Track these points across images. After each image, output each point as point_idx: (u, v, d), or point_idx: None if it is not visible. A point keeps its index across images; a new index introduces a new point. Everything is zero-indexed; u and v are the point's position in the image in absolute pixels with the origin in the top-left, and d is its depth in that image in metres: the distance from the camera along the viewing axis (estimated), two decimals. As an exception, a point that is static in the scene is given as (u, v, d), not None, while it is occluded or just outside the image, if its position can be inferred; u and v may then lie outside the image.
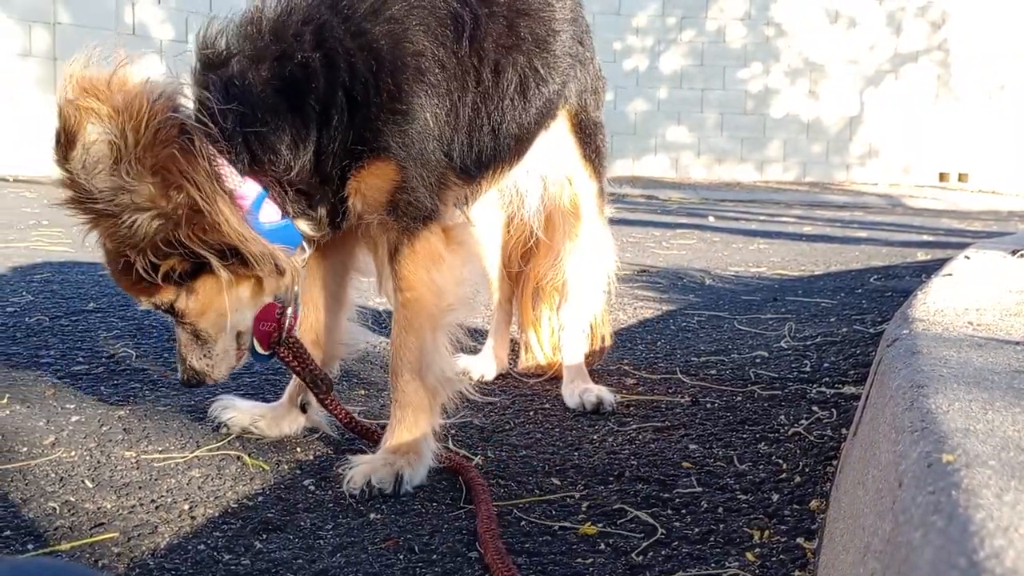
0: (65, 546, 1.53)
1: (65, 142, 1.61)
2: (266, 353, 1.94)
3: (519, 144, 2.09)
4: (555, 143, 2.31)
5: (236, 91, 1.71)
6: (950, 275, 2.63)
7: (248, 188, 1.74)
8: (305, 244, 1.88)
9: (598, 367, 2.70)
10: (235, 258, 1.73)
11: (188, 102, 1.71)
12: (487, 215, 2.51)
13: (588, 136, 2.37)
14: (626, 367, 2.77)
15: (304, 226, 1.84)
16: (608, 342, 2.68)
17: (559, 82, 2.15)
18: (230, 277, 1.76)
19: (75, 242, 4.39)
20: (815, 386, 2.57)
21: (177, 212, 1.65)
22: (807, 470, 1.95)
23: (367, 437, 2.01)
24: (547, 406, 2.40)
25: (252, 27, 1.78)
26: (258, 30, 1.77)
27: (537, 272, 2.60)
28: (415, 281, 1.86)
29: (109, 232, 1.70)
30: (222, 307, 1.82)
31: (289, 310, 1.91)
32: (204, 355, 1.87)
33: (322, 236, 1.90)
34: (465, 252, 1.95)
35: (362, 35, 1.77)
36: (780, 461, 2.01)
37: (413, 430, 1.87)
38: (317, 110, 1.74)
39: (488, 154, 1.99)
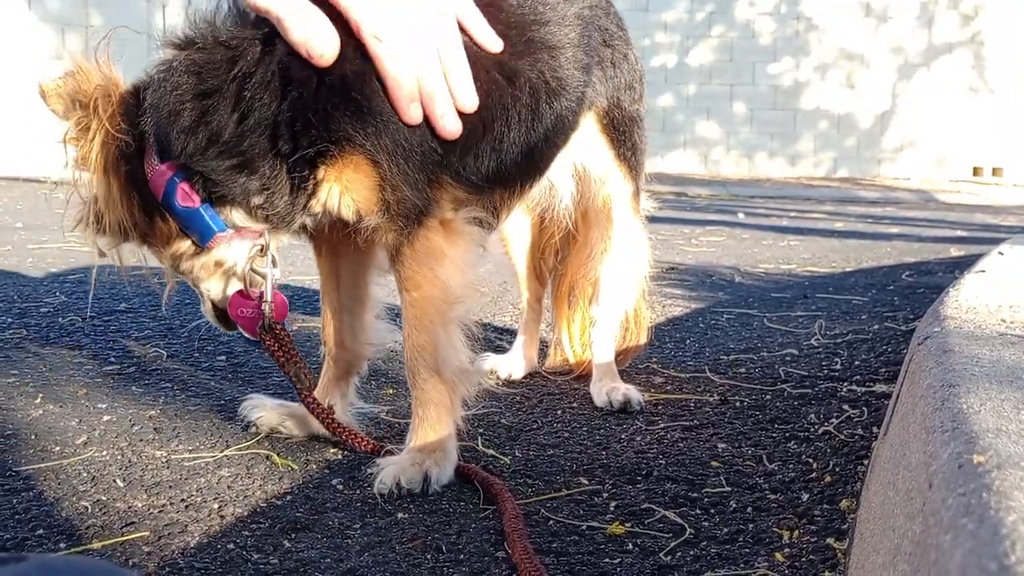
0: (97, 545, 1.55)
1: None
2: (255, 339, 1.99)
3: (533, 161, 2.04)
4: (586, 143, 2.29)
5: (163, 73, 1.76)
6: (983, 271, 2.60)
7: (164, 169, 1.79)
8: (262, 235, 1.89)
9: (628, 366, 2.69)
10: None
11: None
12: (515, 216, 2.50)
13: (622, 134, 2.32)
14: (654, 365, 2.76)
15: (236, 215, 1.83)
16: (644, 339, 2.66)
17: (574, 96, 2.08)
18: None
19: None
20: (846, 384, 2.55)
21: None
22: (837, 469, 1.94)
23: (350, 440, 1.97)
24: (575, 405, 2.40)
25: (225, 19, 1.77)
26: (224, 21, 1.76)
27: (573, 270, 2.59)
28: (420, 280, 1.85)
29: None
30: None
31: (268, 295, 1.93)
32: None
33: (303, 230, 1.91)
34: (466, 242, 1.90)
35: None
36: (810, 460, 2.00)
37: (437, 428, 1.87)
38: (239, 93, 1.69)
39: (495, 170, 1.93)
